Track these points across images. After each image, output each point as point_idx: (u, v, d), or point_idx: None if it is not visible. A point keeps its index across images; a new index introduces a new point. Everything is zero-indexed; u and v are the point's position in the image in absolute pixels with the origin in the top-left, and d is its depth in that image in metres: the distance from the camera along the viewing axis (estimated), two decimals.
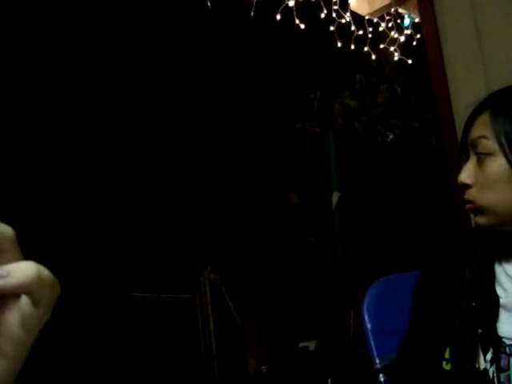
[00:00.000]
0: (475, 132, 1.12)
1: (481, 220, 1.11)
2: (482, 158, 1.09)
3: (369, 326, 1.38)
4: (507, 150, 1.05)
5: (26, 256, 0.45)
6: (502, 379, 1.04)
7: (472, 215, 1.13)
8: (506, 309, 1.09)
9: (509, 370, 1.04)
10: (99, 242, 6.47)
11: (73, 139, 6.49)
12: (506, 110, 1.08)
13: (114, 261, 6.46)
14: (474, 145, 1.11)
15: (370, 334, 1.36)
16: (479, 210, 1.10)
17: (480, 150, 1.09)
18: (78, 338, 5.45)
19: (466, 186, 1.12)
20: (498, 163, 1.06)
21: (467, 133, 1.15)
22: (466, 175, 1.11)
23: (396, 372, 1.23)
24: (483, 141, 1.09)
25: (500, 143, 1.06)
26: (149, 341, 5.79)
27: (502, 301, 1.09)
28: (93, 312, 5.94)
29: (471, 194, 1.11)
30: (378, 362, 1.35)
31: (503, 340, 1.07)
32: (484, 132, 1.09)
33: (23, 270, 0.42)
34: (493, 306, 1.09)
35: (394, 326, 1.26)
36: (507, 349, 1.06)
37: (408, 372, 1.18)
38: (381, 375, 1.35)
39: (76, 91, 6.45)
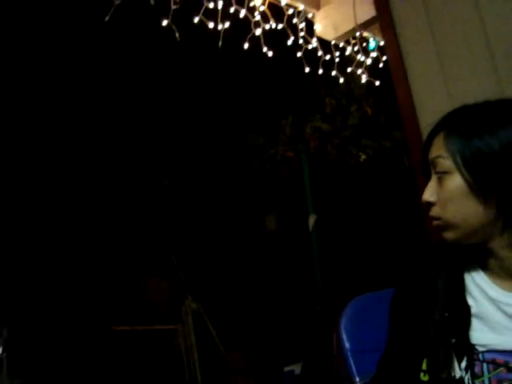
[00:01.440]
0: (433, 152, 1.18)
1: (447, 235, 1.16)
2: (440, 176, 1.15)
3: (347, 344, 1.39)
4: (462, 168, 1.11)
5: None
6: None
7: (439, 231, 1.18)
8: (477, 317, 1.13)
9: (483, 376, 1.08)
10: (77, 276, 6.42)
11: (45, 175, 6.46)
12: (458, 130, 1.14)
13: (92, 295, 6.40)
14: (433, 164, 1.18)
15: (348, 353, 1.38)
16: (444, 226, 1.15)
17: (438, 169, 1.15)
18: (60, 374, 5.37)
19: (430, 204, 1.17)
20: (455, 180, 1.12)
21: (427, 153, 1.21)
22: (429, 194, 1.17)
23: None
24: (440, 160, 1.15)
25: (455, 162, 1.12)
26: (133, 375, 5.72)
27: (472, 310, 1.14)
28: (75, 348, 5.86)
29: (436, 211, 1.16)
30: (357, 380, 1.36)
31: (476, 347, 1.11)
32: (440, 152, 1.15)
33: None
34: (464, 315, 1.13)
35: (373, 342, 1.28)
36: (480, 356, 1.10)
37: None
38: None
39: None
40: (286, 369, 5.08)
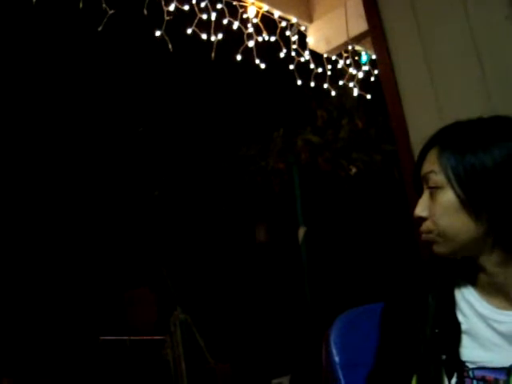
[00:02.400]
0: (426, 167, 1.19)
1: (438, 249, 1.16)
2: (433, 191, 1.16)
3: (337, 358, 1.39)
4: (454, 184, 1.12)
5: None
6: None
7: (430, 245, 1.18)
8: (467, 334, 1.13)
9: None
10: (64, 286, 6.38)
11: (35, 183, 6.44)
12: (451, 146, 1.15)
13: (80, 305, 6.37)
14: (425, 179, 1.18)
15: (338, 367, 1.37)
16: (435, 240, 1.16)
17: (431, 184, 1.16)
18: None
19: (422, 219, 1.17)
20: (447, 195, 1.13)
21: (419, 168, 1.22)
22: (421, 209, 1.18)
23: None
24: (432, 175, 1.16)
25: (447, 177, 1.13)
26: None
27: (463, 326, 1.13)
28: (63, 358, 5.82)
29: (428, 226, 1.17)
30: None
31: (466, 364, 1.10)
32: (433, 167, 1.16)
33: None
34: (455, 331, 1.13)
35: (363, 357, 1.27)
36: (470, 373, 1.09)
37: None
38: None
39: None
40: (275, 381, 5.07)
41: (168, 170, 7.37)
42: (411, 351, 1.15)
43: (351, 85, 4.34)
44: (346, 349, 1.41)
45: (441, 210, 1.14)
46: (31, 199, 6.41)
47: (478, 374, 1.09)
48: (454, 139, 1.16)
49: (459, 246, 1.14)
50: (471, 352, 1.12)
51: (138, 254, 6.67)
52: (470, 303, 1.16)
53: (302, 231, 6.38)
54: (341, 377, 1.36)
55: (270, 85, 6.21)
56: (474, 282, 1.19)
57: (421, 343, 1.13)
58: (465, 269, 1.20)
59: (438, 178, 1.14)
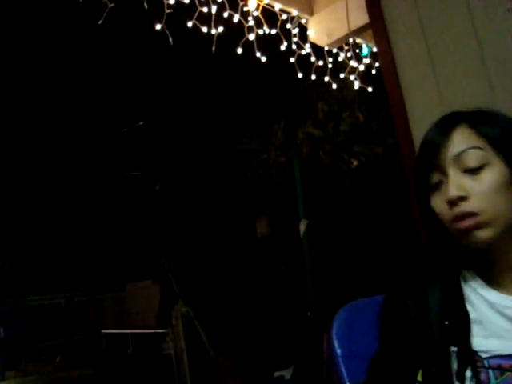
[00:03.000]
0: (458, 146, 1.10)
1: (484, 234, 1.07)
2: (475, 171, 1.08)
3: (338, 350, 1.38)
4: (506, 155, 1.07)
5: None
6: None
7: (469, 233, 1.08)
8: (477, 323, 1.10)
9: (489, 382, 1.05)
10: (67, 280, 6.40)
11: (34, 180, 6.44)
12: (483, 121, 1.11)
13: (83, 298, 6.39)
14: (460, 160, 1.09)
15: (340, 359, 1.36)
16: (481, 223, 1.06)
17: (472, 162, 1.08)
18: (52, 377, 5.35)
19: (462, 199, 1.07)
20: (496, 170, 1.07)
21: (436, 153, 1.12)
22: (457, 188, 1.08)
23: None
24: (476, 152, 1.08)
25: (497, 150, 1.08)
26: (123, 379, 5.71)
27: (471, 316, 1.10)
28: (65, 351, 5.84)
29: (472, 206, 1.07)
30: None
31: (479, 354, 1.07)
32: (475, 143, 1.09)
33: None
34: (464, 322, 1.09)
35: (365, 349, 1.26)
36: (485, 362, 1.06)
37: None
38: None
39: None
40: (277, 374, 5.08)
41: (169, 165, 7.38)
42: (416, 345, 1.11)
43: (352, 78, 4.33)
44: (347, 341, 1.40)
45: (490, 187, 1.07)
46: (34, 192, 6.42)
47: (494, 362, 1.06)
48: (480, 115, 1.13)
49: (502, 230, 1.07)
50: (483, 341, 1.08)
51: (140, 248, 6.69)
52: (477, 292, 1.13)
53: (303, 224, 6.37)
54: (342, 369, 1.36)
55: (271, 78, 6.20)
56: (480, 272, 1.15)
57: (430, 337, 1.10)
58: (470, 259, 1.16)
59: (484, 153, 1.08)
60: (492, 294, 1.12)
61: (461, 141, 1.10)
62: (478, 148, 1.08)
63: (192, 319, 5.52)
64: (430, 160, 1.13)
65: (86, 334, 6.41)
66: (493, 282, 1.13)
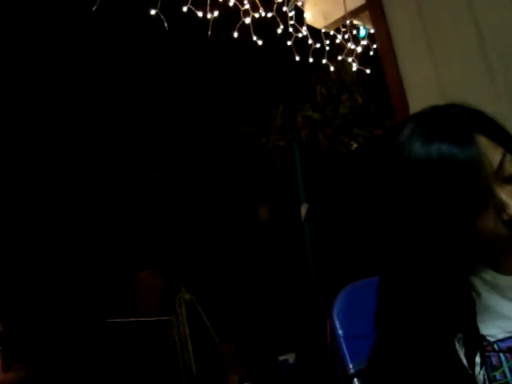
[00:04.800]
0: (494, 158, 0.98)
1: None
2: None
3: (340, 331, 1.38)
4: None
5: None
6: (498, 377, 1.01)
7: None
8: (483, 308, 1.06)
9: (502, 366, 1.01)
10: (71, 269, 6.41)
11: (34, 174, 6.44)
12: (488, 121, 1.05)
13: (87, 288, 6.40)
14: (499, 171, 0.99)
15: (341, 340, 1.36)
16: None
17: (510, 170, 0.99)
18: (57, 367, 5.37)
19: None
20: None
21: (477, 173, 0.97)
22: None
23: (370, 377, 1.20)
24: (509, 157, 0.99)
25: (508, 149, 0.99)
26: (128, 367, 5.73)
27: (477, 301, 1.06)
28: (70, 340, 5.86)
29: None
30: (351, 366, 1.33)
31: (487, 338, 1.03)
32: (499, 149, 0.99)
33: None
34: (469, 307, 1.05)
35: (367, 329, 1.25)
36: (495, 346, 1.03)
37: (382, 377, 1.15)
38: (355, 380, 1.34)
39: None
40: (281, 358, 5.10)
41: (168, 152, 7.37)
42: (418, 330, 1.05)
43: (350, 60, 4.31)
44: (348, 321, 1.40)
45: None
46: (34, 186, 6.42)
47: (503, 345, 1.02)
48: (481, 116, 1.05)
49: None
50: (489, 324, 1.04)
51: (142, 236, 6.69)
52: (483, 279, 1.09)
53: (304, 208, 6.37)
54: (345, 350, 1.36)
55: (268, 62, 6.17)
56: (492, 265, 1.09)
57: (434, 324, 1.04)
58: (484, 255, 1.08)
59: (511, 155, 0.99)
60: (498, 278, 1.08)
61: (491, 152, 0.98)
62: (507, 152, 0.99)
63: (195, 306, 5.54)
64: (471, 183, 0.97)
65: (89, 322, 6.44)
66: (495, 264, 1.08)
